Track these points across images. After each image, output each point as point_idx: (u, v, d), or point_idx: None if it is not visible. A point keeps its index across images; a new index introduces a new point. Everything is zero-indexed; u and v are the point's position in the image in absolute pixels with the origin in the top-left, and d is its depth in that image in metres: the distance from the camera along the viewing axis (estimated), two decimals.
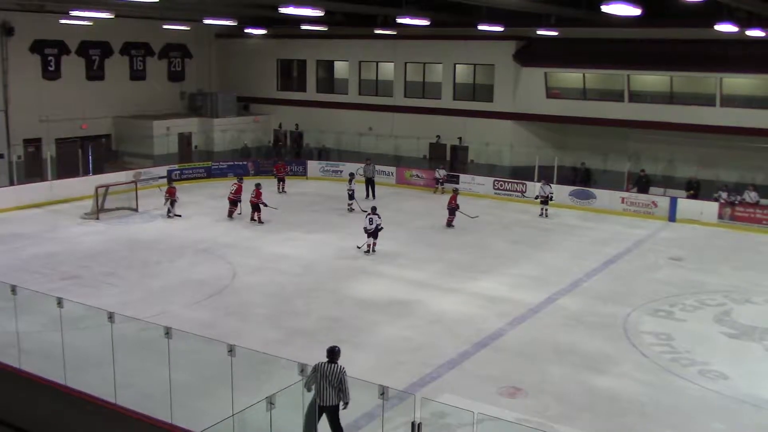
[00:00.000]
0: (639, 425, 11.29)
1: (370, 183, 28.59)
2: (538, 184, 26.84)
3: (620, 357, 13.85)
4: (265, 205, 24.02)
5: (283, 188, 29.47)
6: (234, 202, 24.51)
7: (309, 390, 9.62)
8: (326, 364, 9.63)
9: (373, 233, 20.54)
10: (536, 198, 26.54)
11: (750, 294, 17.84)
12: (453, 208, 24.11)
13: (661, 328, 15.39)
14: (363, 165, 29.19)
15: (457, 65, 33.12)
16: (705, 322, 15.84)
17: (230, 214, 24.50)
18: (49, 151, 28.48)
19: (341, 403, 9.71)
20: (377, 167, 29.73)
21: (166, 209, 24.71)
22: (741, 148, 26.67)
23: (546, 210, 26.03)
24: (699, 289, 18.13)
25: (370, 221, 20.51)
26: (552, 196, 26.19)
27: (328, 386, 9.52)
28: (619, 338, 14.79)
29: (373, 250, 20.58)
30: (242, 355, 9.59)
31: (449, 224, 24.11)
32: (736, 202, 25.15)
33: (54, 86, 32.08)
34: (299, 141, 36.97)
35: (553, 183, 27.59)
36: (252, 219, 23.95)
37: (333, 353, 9.75)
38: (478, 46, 31.74)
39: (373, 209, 20.99)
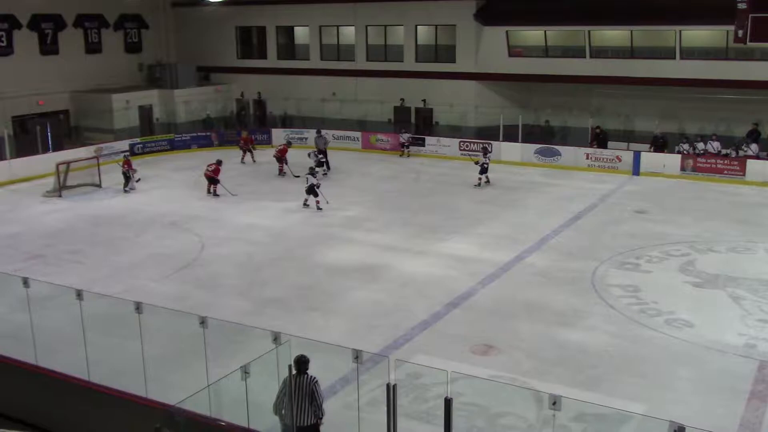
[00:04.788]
0: (609, 376, 11.53)
1: (323, 155, 26.91)
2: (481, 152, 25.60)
3: (589, 310, 14.08)
4: (224, 188, 23.51)
5: (252, 159, 29.02)
6: (212, 179, 23.72)
7: (279, 413, 8.64)
8: (295, 377, 8.43)
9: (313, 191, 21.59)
10: (477, 164, 24.31)
11: (712, 243, 18.20)
12: None
13: (628, 280, 15.66)
14: (315, 137, 28.08)
15: (418, 27, 32.86)
16: (670, 273, 16.15)
17: (209, 190, 23.73)
18: (6, 129, 27.83)
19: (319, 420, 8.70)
20: (341, 133, 29.23)
21: (123, 183, 24.42)
22: (701, 99, 26.99)
23: (483, 178, 24.24)
24: (663, 240, 18.44)
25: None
26: (487, 166, 24.24)
27: (301, 402, 8.49)
28: (588, 292, 15.03)
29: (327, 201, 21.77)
30: (214, 327, 9.56)
31: None
32: (701, 152, 25.48)
33: (7, 62, 31.20)
34: (263, 109, 36.56)
35: (518, 142, 27.78)
36: (208, 192, 23.60)
37: (299, 363, 8.50)
38: (438, 7, 31.50)
39: (312, 169, 22.11)
